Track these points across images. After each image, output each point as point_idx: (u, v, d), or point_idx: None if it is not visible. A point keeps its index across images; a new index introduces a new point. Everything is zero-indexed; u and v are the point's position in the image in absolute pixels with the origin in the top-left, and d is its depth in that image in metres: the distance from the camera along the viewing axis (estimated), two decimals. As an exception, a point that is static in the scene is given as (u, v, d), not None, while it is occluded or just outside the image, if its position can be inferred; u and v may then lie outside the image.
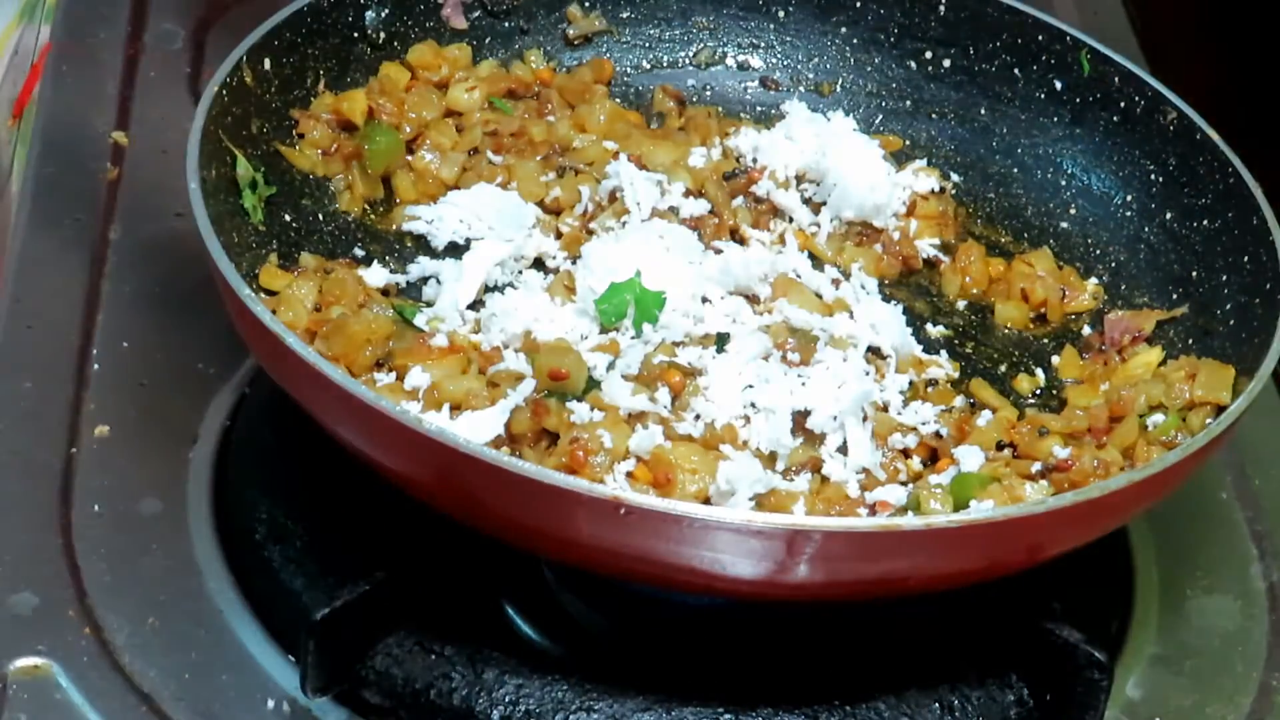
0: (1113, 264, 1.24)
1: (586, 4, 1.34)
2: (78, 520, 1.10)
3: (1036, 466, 1.05)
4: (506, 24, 1.32)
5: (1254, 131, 1.48)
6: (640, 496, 0.88)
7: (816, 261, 1.21)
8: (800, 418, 1.04)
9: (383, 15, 1.25)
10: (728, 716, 0.99)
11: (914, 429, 1.08)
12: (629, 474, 0.99)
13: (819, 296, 1.16)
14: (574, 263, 1.15)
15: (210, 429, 1.17)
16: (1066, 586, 1.08)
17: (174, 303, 1.24)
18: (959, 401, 1.12)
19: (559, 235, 1.20)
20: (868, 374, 1.09)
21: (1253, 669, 1.12)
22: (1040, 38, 1.29)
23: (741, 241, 1.20)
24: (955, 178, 1.31)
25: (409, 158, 1.22)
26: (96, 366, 1.20)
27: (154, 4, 1.50)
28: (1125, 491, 0.94)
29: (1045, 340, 1.20)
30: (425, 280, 1.16)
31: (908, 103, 1.34)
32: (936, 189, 1.27)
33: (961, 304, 1.22)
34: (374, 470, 0.98)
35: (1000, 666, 1.03)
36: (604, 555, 0.92)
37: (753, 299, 1.15)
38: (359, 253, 1.17)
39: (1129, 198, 1.25)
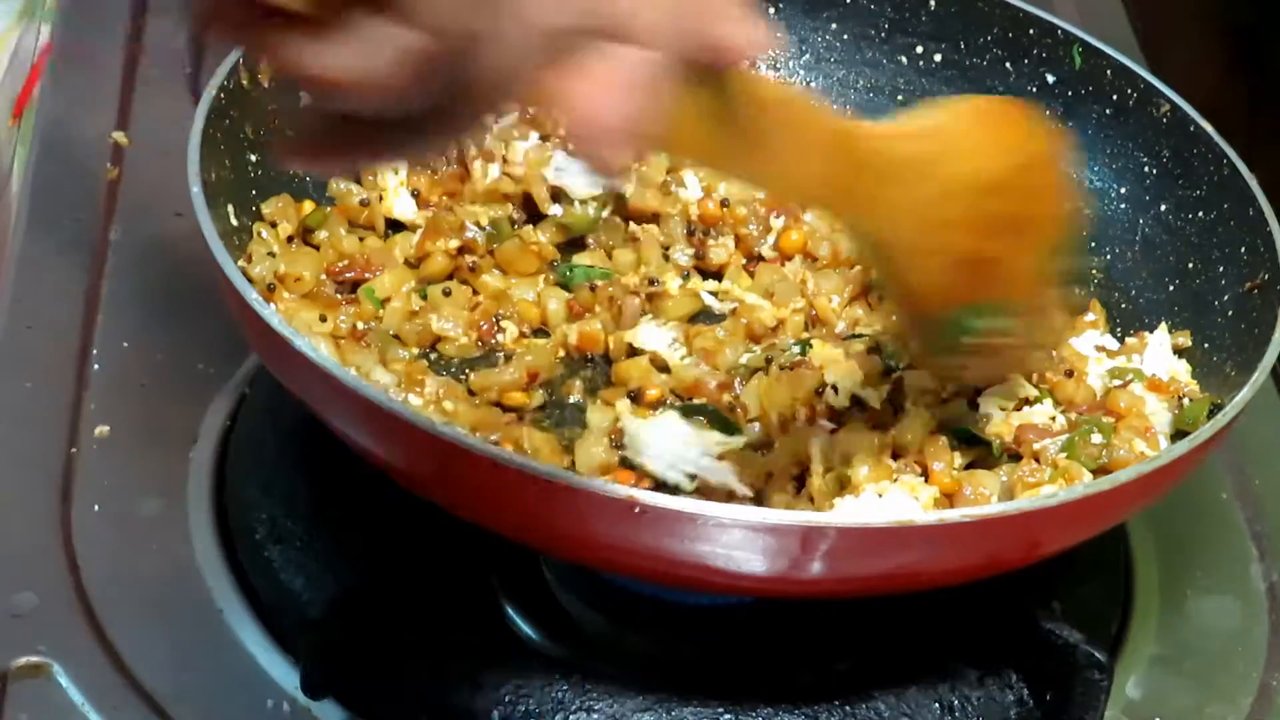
0: (1108, 257, 1.24)
1: None
2: (78, 520, 1.09)
3: None
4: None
5: (1255, 130, 1.48)
6: (655, 496, 0.88)
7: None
8: None
9: None
10: (728, 717, 0.99)
11: None
12: None
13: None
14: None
15: (210, 429, 1.17)
16: (1066, 586, 1.08)
17: (174, 303, 1.24)
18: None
19: None
20: None
21: (1253, 669, 1.12)
22: (1031, 31, 1.29)
23: None
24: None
25: None
26: (96, 366, 1.20)
27: (154, 4, 1.50)
28: (1125, 488, 0.94)
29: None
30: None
31: (899, 97, 1.34)
32: None
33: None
34: (381, 469, 0.98)
35: (1000, 667, 1.03)
36: (616, 554, 0.92)
37: None
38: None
39: (1123, 190, 1.25)
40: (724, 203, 1.24)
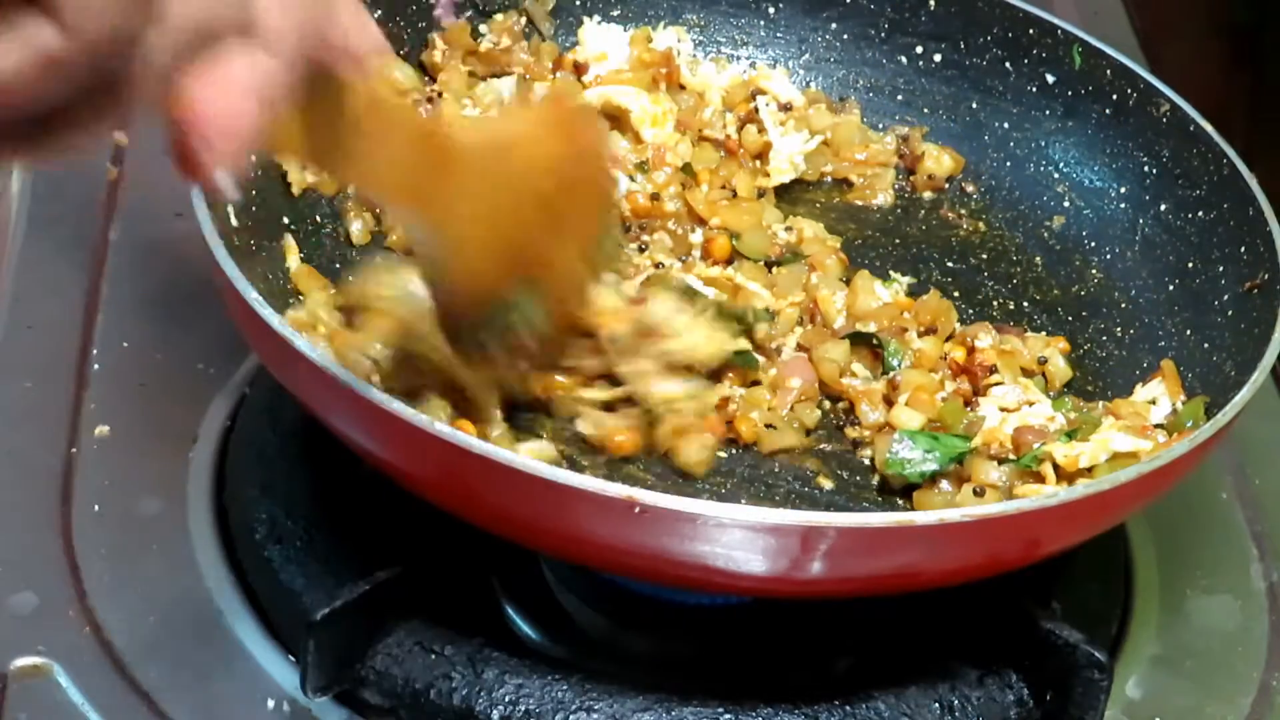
0: (1108, 256, 1.24)
1: (578, 2, 1.34)
2: (78, 520, 1.10)
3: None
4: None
5: (1255, 130, 1.48)
6: (655, 496, 0.88)
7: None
8: None
9: (375, 16, 1.25)
10: (728, 717, 0.99)
11: None
12: None
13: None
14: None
15: (210, 429, 1.17)
16: (1066, 586, 1.08)
17: (174, 303, 1.24)
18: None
19: None
20: None
21: (1253, 669, 1.12)
22: (1031, 31, 1.30)
23: None
24: (947, 171, 1.32)
25: None
26: (96, 366, 1.20)
27: (154, 4, 1.50)
28: (1125, 488, 0.94)
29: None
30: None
31: (899, 97, 1.35)
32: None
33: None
34: (381, 469, 0.98)
35: (1000, 667, 1.03)
36: (616, 554, 0.93)
37: None
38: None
39: (1123, 190, 1.26)
40: (654, 196, 1.24)
